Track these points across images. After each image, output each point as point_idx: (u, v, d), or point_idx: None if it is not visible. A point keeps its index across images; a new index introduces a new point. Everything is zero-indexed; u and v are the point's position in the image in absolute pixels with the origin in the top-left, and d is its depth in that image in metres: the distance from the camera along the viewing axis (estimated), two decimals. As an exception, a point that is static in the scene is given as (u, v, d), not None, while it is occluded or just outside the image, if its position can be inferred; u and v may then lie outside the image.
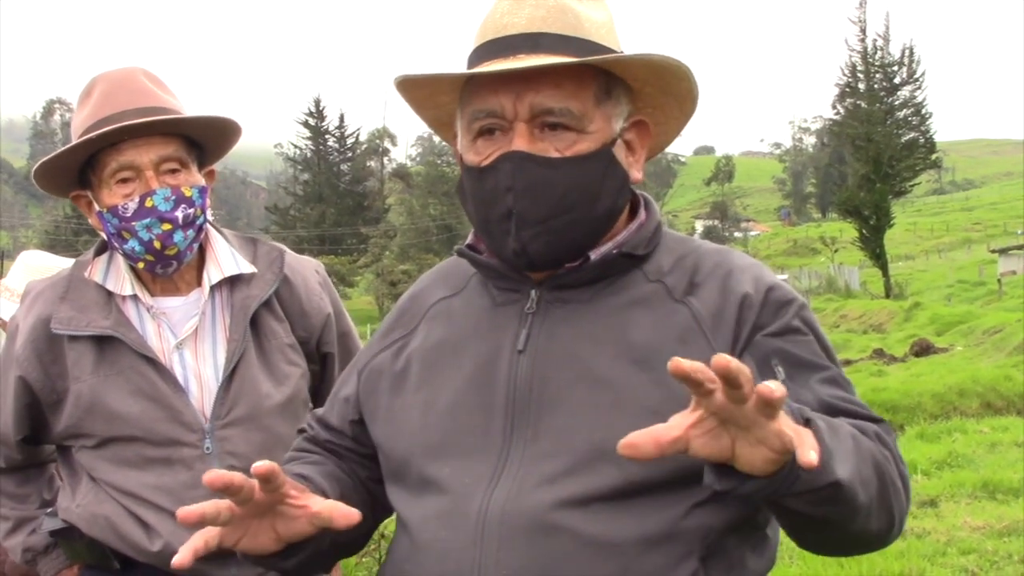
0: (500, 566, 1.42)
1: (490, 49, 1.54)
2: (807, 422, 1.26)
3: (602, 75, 1.55)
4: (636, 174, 1.61)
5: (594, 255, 1.56)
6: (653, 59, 1.53)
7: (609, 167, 1.55)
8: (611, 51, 1.55)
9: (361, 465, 1.72)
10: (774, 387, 1.12)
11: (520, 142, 1.50)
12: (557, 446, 1.47)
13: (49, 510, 2.39)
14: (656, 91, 1.61)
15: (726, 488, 1.25)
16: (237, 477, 1.31)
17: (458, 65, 1.62)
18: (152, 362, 2.24)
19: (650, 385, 1.46)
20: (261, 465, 1.32)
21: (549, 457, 1.46)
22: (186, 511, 1.31)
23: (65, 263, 3.54)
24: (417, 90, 1.64)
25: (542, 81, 1.50)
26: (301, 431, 1.83)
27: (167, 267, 2.27)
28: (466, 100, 1.57)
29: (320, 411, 1.81)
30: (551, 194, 1.50)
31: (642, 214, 1.64)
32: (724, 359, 1.12)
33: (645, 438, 1.18)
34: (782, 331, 1.51)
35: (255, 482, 1.34)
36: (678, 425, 1.20)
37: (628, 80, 1.58)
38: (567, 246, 1.54)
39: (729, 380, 1.13)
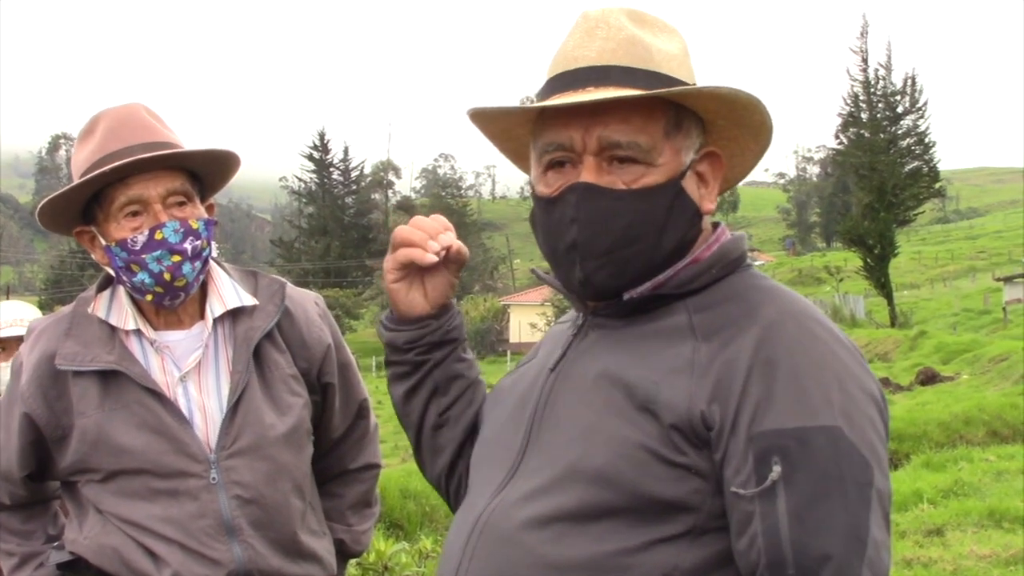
0: (468, 574, 1.49)
1: (561, 82, 1.54)
2: None
3: (672, 108, 1.53)
4: (708, 205, 1.59)
5: (627, 296, 1.53)
6: (719, 91, 1.51)
7: (677, 199, 1.53)
8: (681, 83, 1.53)
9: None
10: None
11: (588, 175, 1.50)
12: (542, 463, 1.51)
13: (56, 543, 2.40)
14: (729, 123, 1.58)
15: None
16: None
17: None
18: (157, 395, 2.26)
19: (630, 411, 1.45)
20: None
21: (535, 474, 1.51)
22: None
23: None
24: (492, 124, 1.67)
25: (610, 115, 1.49)
26: None
27: (175, 299, 2.30)
28: (538, 133, 1.58)
29: None
30: (615, 226, 1.50)
31: (702, 251, 1.57)
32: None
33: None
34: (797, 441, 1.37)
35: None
36: None
37: (700, 112, 1.57)
38: (631, 277, 1.53)
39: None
